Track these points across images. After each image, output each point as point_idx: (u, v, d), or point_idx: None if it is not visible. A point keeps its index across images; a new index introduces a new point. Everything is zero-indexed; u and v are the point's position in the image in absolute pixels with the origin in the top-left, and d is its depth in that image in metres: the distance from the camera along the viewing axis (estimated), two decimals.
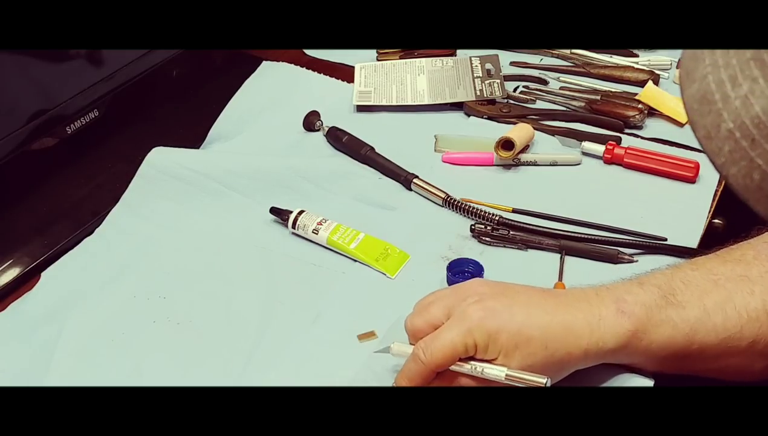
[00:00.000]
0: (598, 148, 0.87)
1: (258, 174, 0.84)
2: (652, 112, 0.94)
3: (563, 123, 0.93)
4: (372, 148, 0.88)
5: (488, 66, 1.00)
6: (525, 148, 0.88)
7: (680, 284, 0.62)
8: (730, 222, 0.83)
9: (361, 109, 0.97)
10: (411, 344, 0.62)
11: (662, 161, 0.85)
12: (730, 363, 0.61)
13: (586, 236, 0.77)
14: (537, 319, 0.59)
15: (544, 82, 1.00)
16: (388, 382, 0.64)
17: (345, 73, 1.03)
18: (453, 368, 0.59)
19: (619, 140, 0.89)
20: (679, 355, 0.61)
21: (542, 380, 0.57)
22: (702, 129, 0.40)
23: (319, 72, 1.03)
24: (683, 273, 0.63)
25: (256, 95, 0.99)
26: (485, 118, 0.95)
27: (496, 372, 0.58)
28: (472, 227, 0.78)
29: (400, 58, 1.04)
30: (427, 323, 0.61)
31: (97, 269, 0.76)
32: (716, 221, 0.82)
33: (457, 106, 0.97)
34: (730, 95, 0.38)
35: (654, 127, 0.93)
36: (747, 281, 0.61)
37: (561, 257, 0.75)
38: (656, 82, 0.97)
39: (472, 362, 0.59)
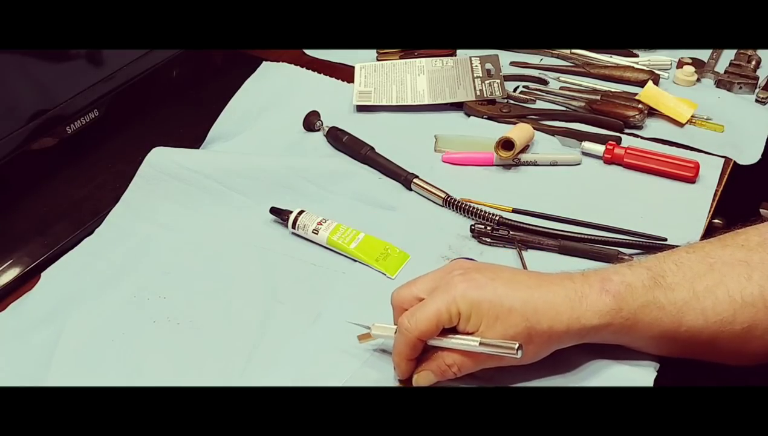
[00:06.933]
0: (598, 148, 0.87)
1: (258, 174, 0.84)
2: (652, 112, 0.94)
3: (563, 123, 0.93)
4: (372, 148, 0.88)
5: (488, 66, 1.00)
6: (525, 148, 0.88)
7: (672, 266, 0.62)
8: (730, 222, 0.83)
9: (361, 109, 0.97)
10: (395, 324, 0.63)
11: (662, 161, 0.85)
12: (725, 348, 0.61)
13: (585, 236, 0.77)
14: (519, 292, 0.60)
15: (544, 82, 1.00)
16: (388, 382, 0.64)
17: (345, 73, 1.03)
18: (430, 342, 0.61)
19: (619, 140, 0.89)
20: (668, 337, 0.61)
21: (513, 345, 0.58)
22: None
23: (319, 72, 1.03)
24: (677, 256, 0.63)
25: (256, 95, 0.99)
26: (485, 118, 0.95)
27: (469, 342, 0.59)
28: (472, 227, 0.78)
29: (400, 58, 1.04)
30: (412, 295, 0.62)
31: (97, 269, 0.76)
32: (716, 220, 0.82)
33: (457, 106, 0.97)
34: None
35: (654, 127, 0.93)
36: (745, 266, 0.60)
37: (519, 251, 0.75)
38: (656, 82, 0.97)
39: (449, 336, 0.60)
